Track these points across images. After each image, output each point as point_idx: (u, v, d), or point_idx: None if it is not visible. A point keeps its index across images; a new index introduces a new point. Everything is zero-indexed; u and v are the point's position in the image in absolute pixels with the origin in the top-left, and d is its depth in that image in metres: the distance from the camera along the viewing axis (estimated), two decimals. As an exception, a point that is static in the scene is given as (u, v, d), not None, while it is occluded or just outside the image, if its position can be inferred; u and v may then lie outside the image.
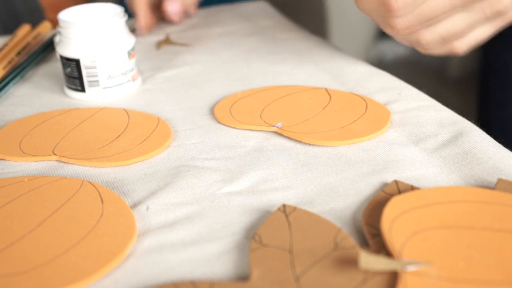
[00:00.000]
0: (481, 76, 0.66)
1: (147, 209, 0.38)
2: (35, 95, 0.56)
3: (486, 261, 0.31)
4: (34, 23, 0.73)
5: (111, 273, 0.33)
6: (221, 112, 0.50)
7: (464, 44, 0.47)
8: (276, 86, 0.55)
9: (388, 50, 1.73)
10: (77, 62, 0.53)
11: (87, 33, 0.52)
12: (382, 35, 1.56)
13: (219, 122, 0.49)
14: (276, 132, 0.47)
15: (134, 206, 0.39)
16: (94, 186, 0.40)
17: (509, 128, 0.45)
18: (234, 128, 0.48)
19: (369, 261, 0.31)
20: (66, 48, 0.53)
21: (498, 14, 0.45)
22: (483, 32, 0.47)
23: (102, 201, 0.38)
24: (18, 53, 0.62)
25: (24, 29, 0.68)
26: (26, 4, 1.01)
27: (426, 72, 1.62)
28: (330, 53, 0.63)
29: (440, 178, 0.40)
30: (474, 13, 0.45)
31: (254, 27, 0.73)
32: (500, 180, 0.38)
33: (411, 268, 0.31)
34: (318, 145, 0.45)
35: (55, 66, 0.62)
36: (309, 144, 0.45)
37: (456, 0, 0.43)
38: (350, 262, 0.32)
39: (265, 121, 0.48)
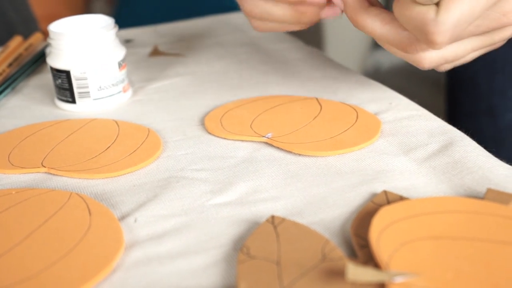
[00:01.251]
0: (449, 88, 0.65)
1: (135, 221, 0.38)
2: (25, 107, 0.56)
3: (475, 273, 0.31)
4: (28, 34, 0.73)
5: (97, 286, 0.33)
6: (211, 123, 0.50)
7: (457, 64, 0.46)
8: (267, 96, 0.55)
9: (385, 59, 1.73)
10: (67, 73, 0.53)
11: (77, 44, 0.52)
12: (378, 44, 1.56)
13: (209, 133, 0.49)
14: (266, 143, 0.47)
15: (122, 218, 0.39)
16: (82, 198, 0.40)
17: (478, 140, 0.44)
18: (225, 138, 0.48)
19: (357, 272, 0.31)
20: (57, 59, 0.53)
21: (503, 40, 0.44)
22: (479, 53, 0.46)
23: (90, 213, 0.38)
24: (10, 65, 0.62)
25: (16, 40, 0.68)
26: (20, 15, 1.02)
27: (422, 81, 1.62)
28: (322, 63, 0.63)
29: (429, 188, 0.40)
30: (483, 39, 0.43)
31: (246, 37, 0.73)
32: (489, 190, 0.38)
33: (398, 280, 0.31)
34: (308, 156, 0.45)
35: (46, 78, 0.62)
36: (299, 155, 0.45)
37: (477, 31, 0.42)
38: (337, 274, 0.32)
39: (255, 132, 0.48)
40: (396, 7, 0.41)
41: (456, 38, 0.40)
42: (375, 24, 0.42)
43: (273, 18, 0.45)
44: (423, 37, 0.39)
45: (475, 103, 0.57)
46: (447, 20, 0.38)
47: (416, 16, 0.39)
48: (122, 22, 0.71)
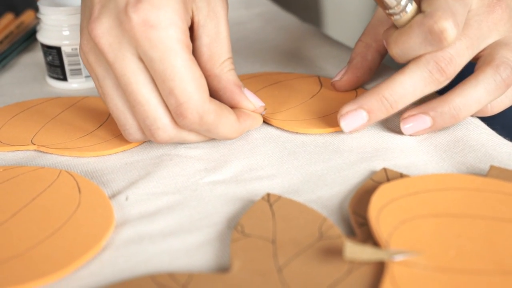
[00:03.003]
0: None
1: (127, 199, 0.37)
2: (15, 85, 0.55)
3: (477, 250, 0.30)
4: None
5: (86, 265, 0.32)
6: None
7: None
8: (266, 73, 0.54)
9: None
10: (58, 50, 0.51)
11: (68, 19, 0.51)
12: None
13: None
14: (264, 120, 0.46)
15: (113, 196, 0.37)
16: (72, 176, 0.38)
17: None
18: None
19: (354, 251, 0.29)
20: (47, 35, 0.52)
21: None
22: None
23: (79, 191, 0.37)
24: (0, 42, 0.60)
25: (7, 17, 0.67)
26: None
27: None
28: (322, 40, 0.62)
29: (430, 166, 0.39)
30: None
31: (242, 16, 0.72)
32: (492, 167, 0.37)
33: (398, 258, 0.29)
34: (305, 134, 0.43)
35: (39, 56, 0.61)
36: (296, 133, 0.44)
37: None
38: (335, 252, 0.31)
39: (250, 109, 0.46)
40: (393, 45, 0.41)
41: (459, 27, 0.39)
42: None
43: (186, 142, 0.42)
44: (434, 43, 0.39)
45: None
46: (439, 10, 0.38)
47: (416, 31, 0.39)
48: None
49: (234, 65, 0.42)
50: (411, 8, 0.40)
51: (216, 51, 0.40)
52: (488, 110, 0.43)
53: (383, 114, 0.41)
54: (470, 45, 0.40)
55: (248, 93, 0.42)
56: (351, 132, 0.42)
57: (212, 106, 0.38)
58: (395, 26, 0.41)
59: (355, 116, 0.41)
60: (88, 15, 0.38)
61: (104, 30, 0.37)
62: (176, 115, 0.37)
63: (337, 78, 0.49)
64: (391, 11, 0.40)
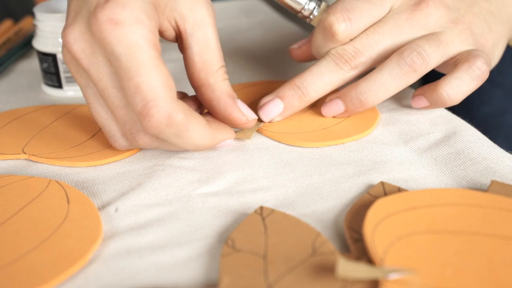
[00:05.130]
0: (430, 81, 0.63)
1: (116, 210, 0.36)
2: (10, 92, 0.54)
3: (476, 269, 0.29)
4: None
5: (70, 279, 0.31)
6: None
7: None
8: (264, 81, 0.53)
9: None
10: (53, 57, 0.50)
11: (63, 26, 0.50)
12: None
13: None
14: (258, 132, 0.45)
15: (103, 207, 0.36)
16: (61, 186, 0.38)
17: None
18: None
19: (348, 268, 0.28)
20: (42, 42, 0.51)
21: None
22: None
23: (68, 202, 0.36)
24: (-2, 49, 0.60)
25: (6, 24, 0.66)
26: (20, 3, 1.00)
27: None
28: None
29: (430, 180, 0.38)
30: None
31: (243, 25, 0.71)
32: (493, 182, 0.36)
33: (393, 277, 0.28)
34: (303, 146, 0.42)
35: (35, 63, 0.60)
36: (293, 145, 0.43)
37: None
38: (328, 269, 0.30)
39: (247, 119, 0.45)
40: (311, 44, 0.46)
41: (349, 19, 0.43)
42: None
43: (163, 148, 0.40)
44: (328, 37, 0.43)
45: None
46: (331, 7, 0.43)
47: (318, 29, 0.44)
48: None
49: (227, 74, 0.41)
50: (319, 10, 0.45)
51: (208, 59, 0.40)
52: (446, 99, 0.42)
53: (296, 102, 0.44)
54: (380, 40, 0.43)
55: (241, 105, 0.41)
56: (270, 121, 0.45)
57: (180, 105, 0.36)
58: None
59: (272, 106, 0.44)
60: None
61: (76, 36, 0.36)
62: (142, 116, 0.35)
63: (295, 46, 0.51)
64: (300, 14, 0.45)
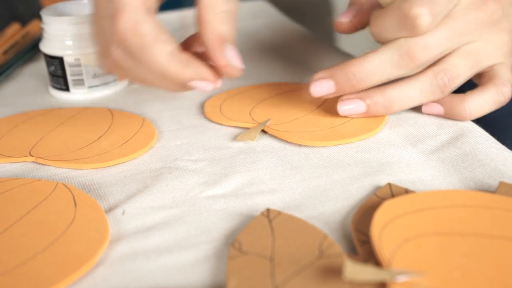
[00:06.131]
0: None
1: (123, 213, 0.36)
2: (18, 95, 0.54)
3: (484, 271, 0.29)
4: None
5: (77, 282, 0.31)
6: (210, 108, 0.48)
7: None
8: (271, 83, 0.53)
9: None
10: (60, 60, 0.51)
11: (70, 29, 0.50)
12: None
13: (207, 119, 0.47)
14: (265, 133, 0.45)
15: (110, 210, 0.36)
16: (68, 188, 0.38)
17: None
18: (221, 125, 0.46)
19: (355, 270, 0.28)
20: (49, 45, 0.51)
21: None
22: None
23: (75, 205, 0.36)
24: (5, 52, 0.60)
25: (14, 27, 0.66)
26: (28, 7, 1.00)
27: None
28: (328, 51, 0.61)
29: (437, 181, 0.38)
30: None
31: (251, 26, 0.71)
32: (502, 183, 0.36)
33: (401, 279, 0.28)
34: (309, 146, 0.42)
35: (43, 66, 0.60)
36: (299, 145, 0.42)
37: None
38: (335, 272, 0.29)
39: (253, 119, 0.45)
40: (372, 23, 0.42)
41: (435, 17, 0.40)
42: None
43: (139, 77, 0.41)
44: (408, 27, 0.40)
45: None
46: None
47: (393, 13, 0.40)
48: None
49: (233, 20, 0.40)
50: None
51: (216, 1, 0.38)
52: (467, 115, 0.43)
53: (349, 89, 0.43)
54: (450, 37, 0.41)
55: (229, 50, 0.39)
56: (319, 96, 0.44)
57: (152, 20, 0.37)
58: (380, 6, 0.42)
59: (324, 84, 0.43)
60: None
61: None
62: (111, 20, 0.37)
63: (345, 20, 0.47)
64: None
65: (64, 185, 0.38)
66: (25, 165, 0.42)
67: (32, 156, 0.42)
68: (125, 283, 0.31)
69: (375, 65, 0.41)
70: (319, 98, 0.49)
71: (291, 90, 0.51)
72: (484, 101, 0.42)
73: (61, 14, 0.51)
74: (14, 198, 0.37)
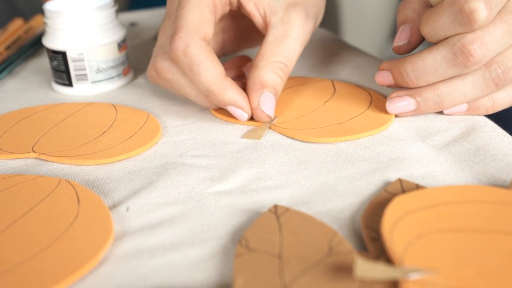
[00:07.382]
0: None
1: (127, 210, 0.35)
2: (21, 90, 0.53)
3: (499, 269, 0.28)
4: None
5: (81, 280, 0.30)
6: None
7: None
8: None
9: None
10: (63, 54, 0.50)
11: (73, 23, 0.49)
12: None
13: (212, 114, 0.46)
14: (270, 128, 0.44)
15: (114, 206, 0.36)
16: (71, 185, 0.37)
17: None
18: (227, 122, 0.45)
19: (366, 268, 0.27)
20: (52, 40, 0.50)
21: None
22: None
23: (78, 201, 0.35)
24: (8, 47, 0.59)
25: (16, 23, 0.66)
26: (28, 3, 0.99)
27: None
28: (335, 45, 0.60)
29: (449, 177, 0.37)
30: None
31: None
32: (515, 179, 0.35)
33: (413, 277, 0.27)
34: (317, 142, 0.41)
35: (45, 61, 0.60)
36: (307, 141, 0.42)
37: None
38: (345, 269, 0.29)
39: (260, 116, 0.45)
40: (424, 22, 0.40)
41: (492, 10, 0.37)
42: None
43: (180, 90, 0.45)
44: (464, 23, 0.37)
45: None
46: None
47: (447, 10, 0.38)
48: (136, 5, 0.68)
49: (283, 72, 0.43)
50: None
51: (271, 49, 0.43)
52: (491, 108, 0.42)
53: (404, 85, 0.42)
54: (507, 32, 0.38)
55: (266, 98, 0.43)
56: (382, 85, 0.44)
57: (202, 43, 0.41)
58: (430, 6, 0.41)
59: (384, 76, 0.43)
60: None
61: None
62: (170, 38, 0.42)
63: (404, 41, 0.44)
64: None
65: (67, 181, 0.37)
66: (28, 161, 0.41)
67: (35, 152, 0.41)
68: (129, 280, 0.30)
69: (429, 64, 0.40)
70: (327, 94, 0.48)
71: (297, 85, 0.50)
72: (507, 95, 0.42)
73: (64, 8, 0.51)
74: (16, 194, 0.36)
